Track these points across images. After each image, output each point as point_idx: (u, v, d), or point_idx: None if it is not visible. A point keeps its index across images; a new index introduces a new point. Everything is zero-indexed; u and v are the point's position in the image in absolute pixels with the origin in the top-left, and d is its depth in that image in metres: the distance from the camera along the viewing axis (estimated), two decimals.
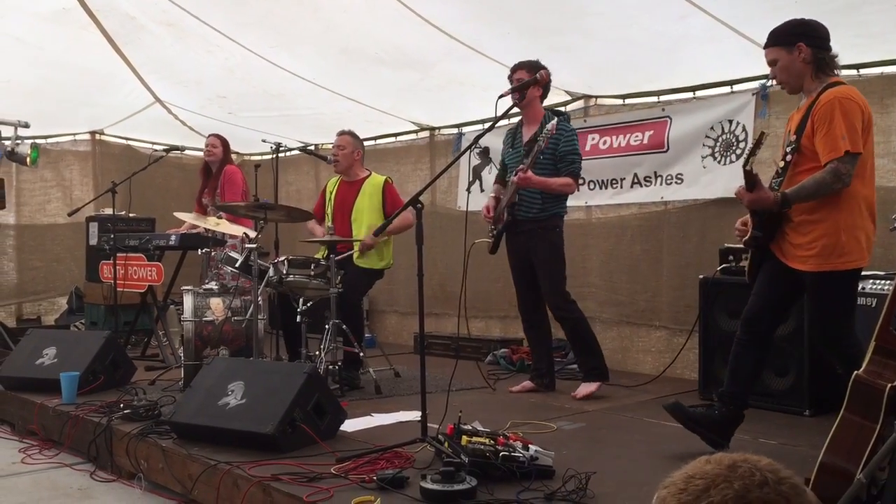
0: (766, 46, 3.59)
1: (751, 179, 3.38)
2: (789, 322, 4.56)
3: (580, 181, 5.43)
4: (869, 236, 3.43)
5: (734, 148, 5.53)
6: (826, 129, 3.34)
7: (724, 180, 5.54)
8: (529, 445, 3.23)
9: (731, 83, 5.57)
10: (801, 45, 3.49)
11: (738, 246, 4.96)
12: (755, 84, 5.44)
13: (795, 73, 3.53)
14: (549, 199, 5.02)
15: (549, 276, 5.05)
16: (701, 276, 5.06)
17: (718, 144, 5.62)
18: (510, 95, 4.53)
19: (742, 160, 3.37)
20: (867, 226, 3.43)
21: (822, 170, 3.34)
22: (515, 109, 4.67)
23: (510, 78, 4.97)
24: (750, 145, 3.47)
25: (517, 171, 4.87)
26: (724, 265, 4.97)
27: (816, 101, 3.43)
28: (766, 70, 5.20)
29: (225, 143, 6.76)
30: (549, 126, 4.69)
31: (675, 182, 5.86)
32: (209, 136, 6.86)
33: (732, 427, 3.72)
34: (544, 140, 4.71)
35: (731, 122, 5.56)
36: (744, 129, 5.47)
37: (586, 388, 5.04)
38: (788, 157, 3.52)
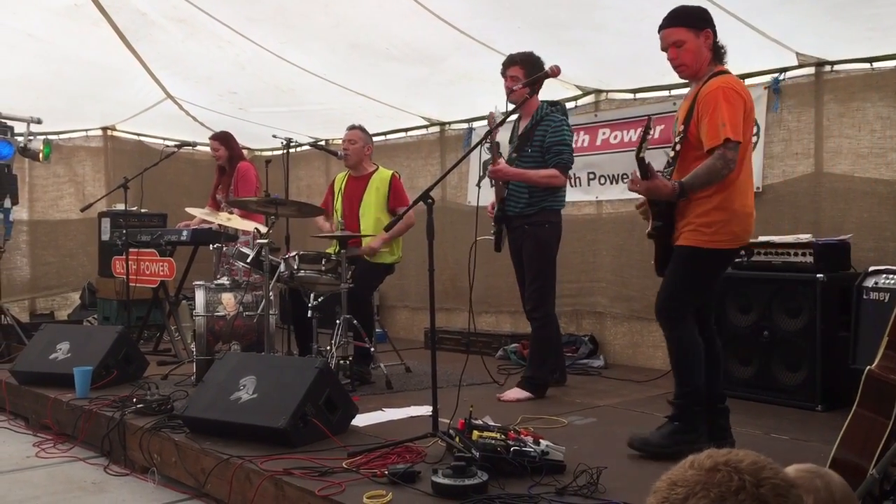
0: (672, 25, 3.55)
1: (644, 168, 3.37)
2: (801, 317, 4.55)
3: (576, 175, 5.22)
4: (741, 222, 3.49)
5: None
6: (709, 116, 3.38)
7: None
8: (540, 440, 3.23)
9: (742, 77, 5.50)
10: (708, 31, 3.53)
11: (749, 241, 4.94)
12: (767, 78, 5.42)
13: (701, 58, 3.54)
14: (537, 192, 4.85)
15: (531, 273, 4.90)
16: None
17: None
18: (519, 90, 4.51)
19: (636, 150, 3.37)
20: (741, 212, 3.48)
21: (712, 157, 3.37)
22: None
23: (504, 74, 4.87)
24: (641, 133, 3.43)
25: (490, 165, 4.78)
26: (735, 260, 4.94)
27: (703, 89, 3.47)
28: (780, 64, 5.28)
29: (226, 141, 6.71)
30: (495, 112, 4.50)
31: None
32: (209, 139, 6.87)
33: (722, 423, 3.68)
34: (495, 130, 4.47)
35: None
36: (756, 123, 5.44)
37: (516, 393, 4.84)
38: (678, 147, 3.55)
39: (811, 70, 5.21)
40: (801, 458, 3.40)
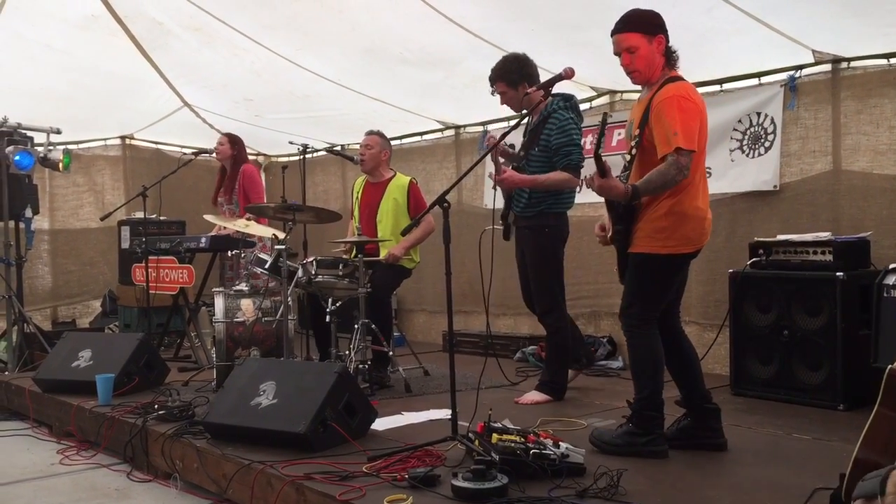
0: (624, 31, 3.54)
1: (601, 166, 3.36)
2: (821, 316, 4.52)
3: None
4: (695, 226, 3.48)
5: (763, 141, 5.47)
6: (662, 124, 3.38)
7: (753, 174, 5.49)
8: (560, 443, 3.23)
9: (758, 75, 5.51)
10: (661, 37, 3.53)
11: (768, 240, 4.93)
12: (783, 76, 5.38)
13: (654, 64, 3.54)
14: (536, 194, 4.73)
15: (535, 279, 4.86)
16: (731, 271, 5.01)
17: (747, 137, 5.56)
18: (536, 92, 4.49)
19: (594, 147, 3.38)
20: (694, 215, 3.47)
21: (665, 163, 3.36)
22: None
23: (493, 92, 4.83)
24: (599, 130, 3.41)
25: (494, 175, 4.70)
26: (754, 259, 4.92)
27: (656, 95, 3.46)
28: (795, 62, 5.26)
29: (234, 141, 6.74)
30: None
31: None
32: (220, 135, 6.91)
33: (712, 424, 3.67)
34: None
35: (759, 114, 5.50)
36: (772, 121, 5.42)
37: (535, 395, 4.82)
38: (634, 151, 3.55)
39: (828, 67, 5.17)
40: (822, 458, 3.40)
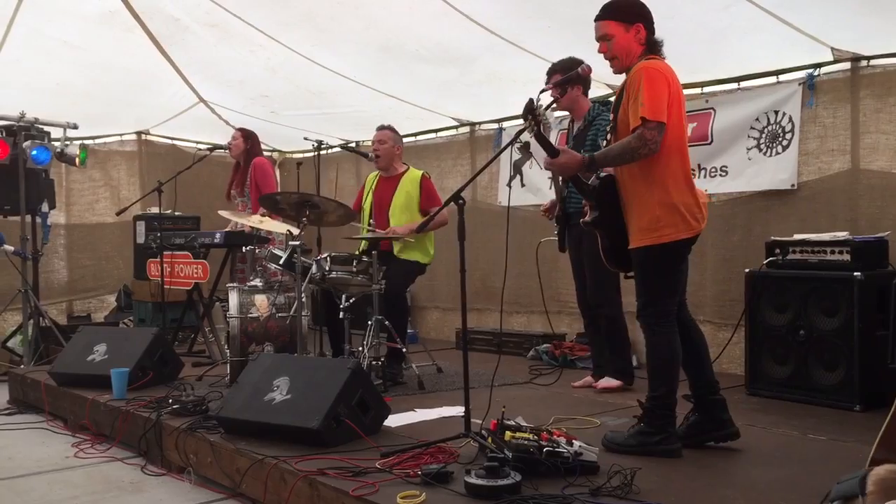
0: (603, 18, 3.53)
1: (548, 146, 3.38)
2: (838, 316, 4.49)
3: None
4: (686, 210, 3.46)
5: (780, 139, 5.43)
6: (632, 99, 3.37)
7: (771, 172, 5.45)
8: (573, 441, 3.22)
9: (776, 73, 5.47)
10: (640, 25, 3.49)
11: (785, 239, 4.90)
12: (802, 74, 5.34)
13: (631, 52, 3.52)
14: None
15: (591, 272, 4.99)
16: (747, 270, 4.98)
17: (764, 136, 5.53)
18: (549, 92, 4.48)
19: (534, 130, 3.41)
20: (682, 201, 3.45)
21: (631, 135, 3.36)
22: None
23: (547, 83, 4.83)
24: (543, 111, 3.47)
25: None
26: (770, 258, 4.88)
27: (627, 76, 3.46)
28: (814, 59, 5.22)
29: (248, 135, 6.75)
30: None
31: (720, 174, 5.77)
32: (234, 129, 6.94)
33: (719, 415, 3.64)
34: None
35: (777, 112, 5.46)
36: (790, 119, 5.37)
37: (608, 381, 5.05)
38: (609, 136, 3.57)
39: (847, 65, 5.13)
40: (839, 459, 3.37)
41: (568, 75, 4.39)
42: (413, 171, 5.79)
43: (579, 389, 5.16)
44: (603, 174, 3.60)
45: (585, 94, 5.08)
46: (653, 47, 3.52)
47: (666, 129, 3.37)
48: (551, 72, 4.92)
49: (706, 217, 3.56)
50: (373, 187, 5.86)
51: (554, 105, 4.06)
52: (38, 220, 6.92)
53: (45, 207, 6.92)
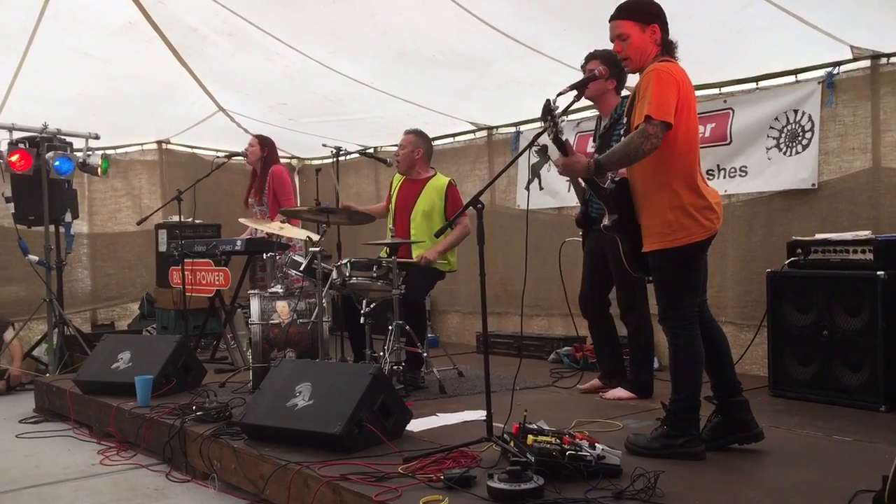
0: (619, 18, 3.52)
1: (563, 147, 3.39)
2: (862, 315, 4.45)
3: None
4: (700, 209, 3.44)
5: (800, 138, 5.40)
6: (641, 98, 3.36)
7: (791, 172, 5.42)
8: (596, 444, 3.21)
9: (795, 72, 5.44)
10: (655, 26, 3.47)
11: (807, 239, 4.86)
12: (821, 72, 5.31)
13: (647, 53, 3.50)
14: None
15: (617, 279, 4.90)
16: (768, 270, 4.95)
17: (783, 135, 5.49)
18: (571, 91, 4.44)
19: (553, 133, 3.39)
20: (695, 204, 3.43)
21: (633, 132, 3.34)
22: (576, 105, 4.44)
23: (583, 67, 4.78)
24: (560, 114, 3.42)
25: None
26: (792, 258, 4.85)
27: (639, 78, 3.45)
28: (833, 58, 5.18)
29: (264, 142, 6.77)
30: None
31: (739, 175, 5.74)
32: (252, 136, 6.98)
33: (742, 417, 3.61)
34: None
35: (796, 111, 5.42)
36: (810, 118, 5.34)
37: (620, 392, 4.91)
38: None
39: (866, 63, 5.09)
40: (864, 460, 3.34)
41: (584, 78, 4.15)
42: (439, 178, 5.75)
43: (596, 393, 5.12)
44: (618, 178, 3.59)
45: (618, 91, 4.91)
46: (667, 48, 3.52)
47: (676, 132, 3.36)
48: (590, 58, 4.76)
49: (721, 216, 3.54)
50: (397, 189, 5.87)
51: (574, 103, 3.94)
52: (62, 229, 7.00)
53: (68, 217, 6.98)
